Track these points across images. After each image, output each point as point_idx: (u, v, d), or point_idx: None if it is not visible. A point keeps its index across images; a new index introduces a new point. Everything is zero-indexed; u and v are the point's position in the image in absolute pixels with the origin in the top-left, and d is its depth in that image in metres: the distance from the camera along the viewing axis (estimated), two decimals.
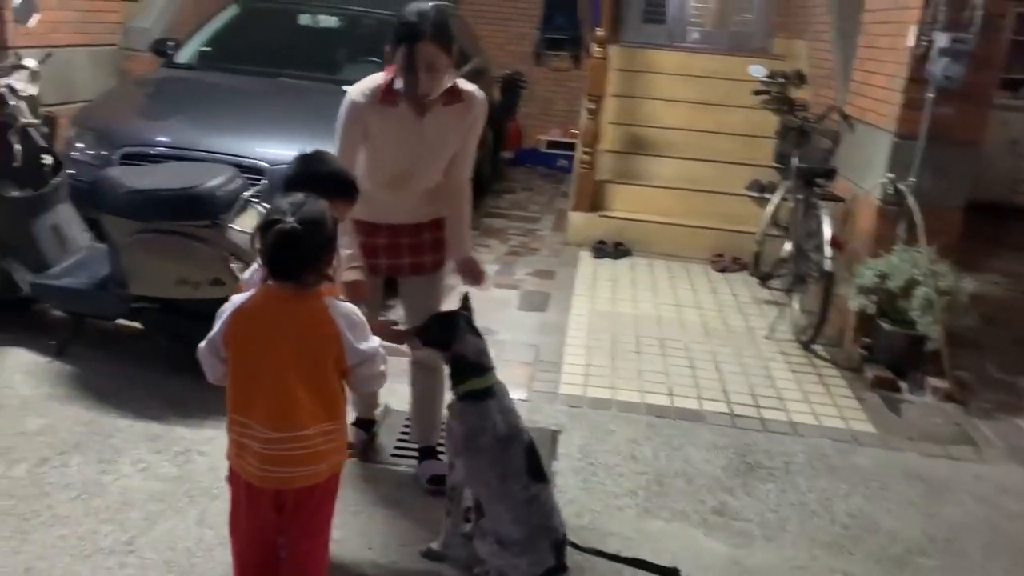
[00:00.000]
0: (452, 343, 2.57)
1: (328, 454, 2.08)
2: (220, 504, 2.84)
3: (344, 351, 2.02)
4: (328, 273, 2.05)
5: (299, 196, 2.00)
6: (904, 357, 4.31)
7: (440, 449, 3.10)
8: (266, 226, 1.95)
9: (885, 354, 4.39)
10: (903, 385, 4.28)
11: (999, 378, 4.53)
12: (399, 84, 2.69)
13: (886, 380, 4.27)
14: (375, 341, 2.10)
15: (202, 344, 2.06)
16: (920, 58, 4.23)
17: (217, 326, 2.03)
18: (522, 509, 2.50)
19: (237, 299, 2.04)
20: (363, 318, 2.10)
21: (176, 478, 2.99)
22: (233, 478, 2.14)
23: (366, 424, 3.36)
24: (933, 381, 4.23)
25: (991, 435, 3.87)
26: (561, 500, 2.94)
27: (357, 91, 2.76)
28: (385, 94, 2.73)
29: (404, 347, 2.72)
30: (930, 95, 4.24)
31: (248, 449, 2.04)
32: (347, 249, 2.65)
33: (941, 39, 4.07)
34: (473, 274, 2.96)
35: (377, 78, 2.76)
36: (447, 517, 2.68)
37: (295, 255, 1.94)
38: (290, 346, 1.99)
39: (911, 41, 4.28)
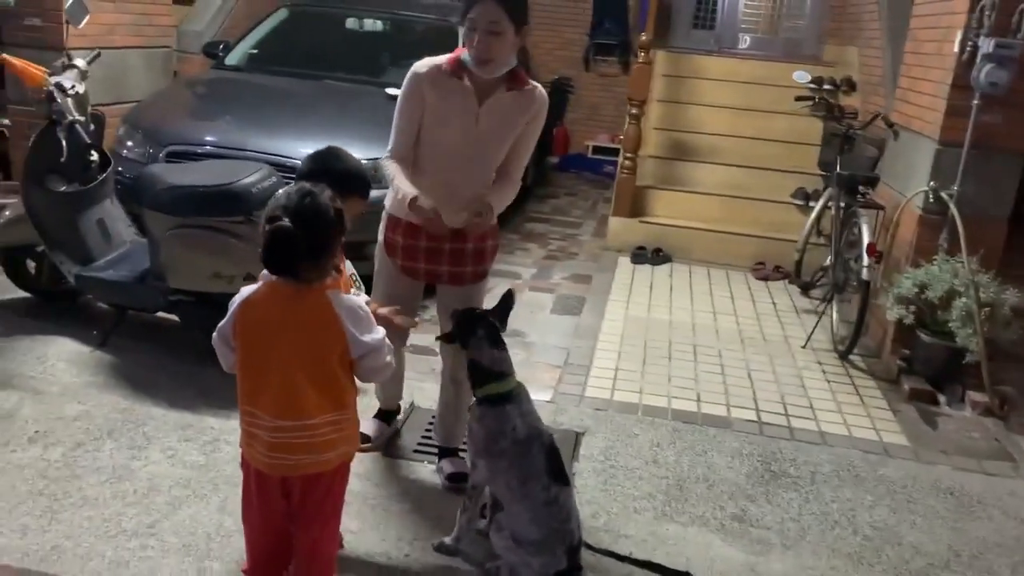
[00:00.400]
0: (467, 346, 2.60)
1: (336, 443, 2.11)
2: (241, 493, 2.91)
3: (348, 345, 2.04)
4: (333, 266, 2.07)
5: (301, 189, 2.01)
6: (943, 369, 4.22)
7: (462, 450, 3.12)
8: (265, 221, 1.97)
9: (924, 366, 4.29)
10: (941, 398, 4.18)
11: None
12: (466, 56, 2.68)
13: (924, 392, 4.18)
14: (380, 332, 2.12)
15: (215, 333, 2.11)
16: (965, 64, 4.14)
17: (227, 316, 2.08)
18: (541, 510, 2.51)
19: (246, 290, 2.07)
20: (368, 311, 2.12)
21: (202, 466, 3.07)
22: (244, 465, 2.19)
23: (387, 415, 3.39)
24: (973, 395, 4.12)
25: None
26: (579, 500, 2.94)
27: (421, 63, 2.76)
28: (450, 64, 2.72)
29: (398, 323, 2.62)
30: (975, 102, 4.14)
31: (256, 438, 2.08)
32: (410, 191, 2.68)
33: (986, 44, 3.98)
34: (483, 217, 2.76)
35: (445, 56, 2.77)
36: (462, 513, 2.70)
37: (289, 252, 1.95)
38: (293, 339, 2.02)
39: (956, 46, 4.19)
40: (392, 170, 2.82)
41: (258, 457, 2.10)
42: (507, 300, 2.69)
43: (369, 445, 3.19)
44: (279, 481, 2.11)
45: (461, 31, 2.71)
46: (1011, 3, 4.01)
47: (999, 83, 3.99)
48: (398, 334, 3.02)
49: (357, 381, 2.17)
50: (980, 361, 4.00)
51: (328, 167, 2.42)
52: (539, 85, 2.86)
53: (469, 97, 2.73)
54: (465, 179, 2.82)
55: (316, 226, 1.96)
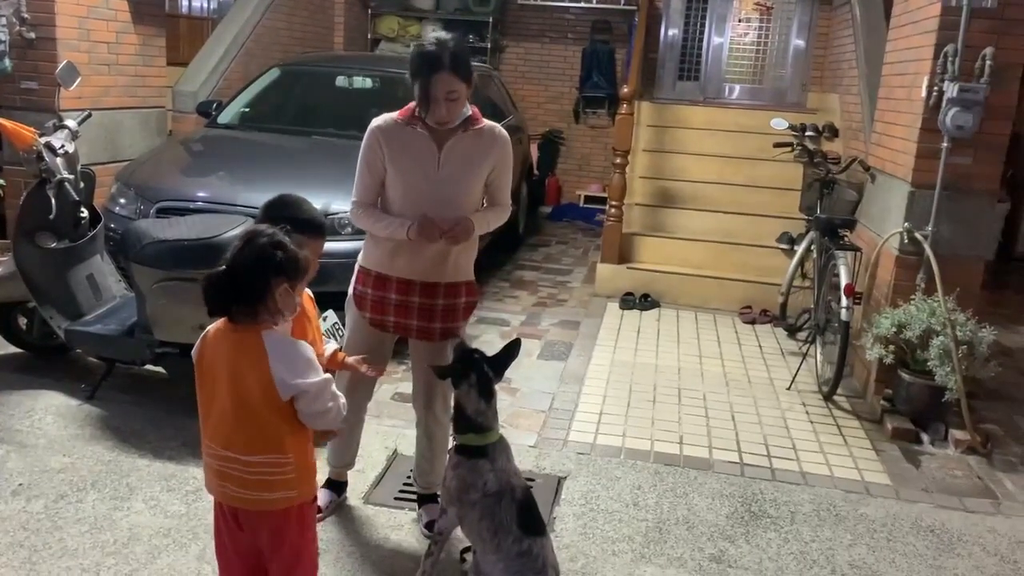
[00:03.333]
0: (457, 387, 2.63)
1: (275, 485, 2.11)
2: None
3: (274, 385, 2.04)
4: (273, 308, 2.06)
5: (244, 233, 2.11)
6: (925, 408, 4.24)
7: (439, 495, 3.14)
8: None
9: (906, 405, 4.32)
10: (925, 437, 4.20)
11: None
12: (418, 112, 2.75)
13: (907, 431, 4.20)
14: (319, 376, 2.10)
15: None
16: (932, 108, 4.24)
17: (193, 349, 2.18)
18: (514, 562, 2.51)
19: (208, 327, 2.16)
20: (310, 354, 2.12)
21: (183, 515, 3.09)
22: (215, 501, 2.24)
23: (336, 486, 3.26)
24: (956, 433, 4.14)
25: (1013, 488, 3.77)
26: (558, 544, 2.96)
27: (378, 118, 2.85)
28: (405, 115, 2.80)
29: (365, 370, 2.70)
30: (945, 145, 4.24)
31: (209, 465, 2.17)
32: (401, 223, 2.76)
33: (950, 89, 4.09)
34: (458, 227, 2.77)
35: (400, 110, 2.85)
36: (427, 558, 2.71)
37: (217, 296, 2.06)
38: (226, 375, 2.07)
39: (923, 91, 4.30)
40: (366, 219, 2.87)
41: (211, 484, 2.18)
42: (510, 349, 2.69)
43: (320, 515, 3.05)
44: (231, 511, 2.17)
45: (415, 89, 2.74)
46: (974, 50, 4.13)
47: (965, 126, 4.09)
48: (361, 389, 3.08)
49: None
50: (960, 399, 4.03)
51: (279, 215, 2.46)
52: (497, 125, 2.93)
53: (428, 144, 2.79)
54: (443, 247, 2.84)
55: (246, 271, 2.03)
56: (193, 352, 2.16)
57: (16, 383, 4.08)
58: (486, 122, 2.89)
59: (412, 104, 2.80)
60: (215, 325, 2.14)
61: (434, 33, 2.79)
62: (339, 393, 2.18)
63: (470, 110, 2.83)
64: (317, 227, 2.62)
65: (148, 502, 3.17)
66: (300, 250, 2.14)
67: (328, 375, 2.16)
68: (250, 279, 2.04)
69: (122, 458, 3.48)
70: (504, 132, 2.92)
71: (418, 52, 2.71)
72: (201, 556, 2.85)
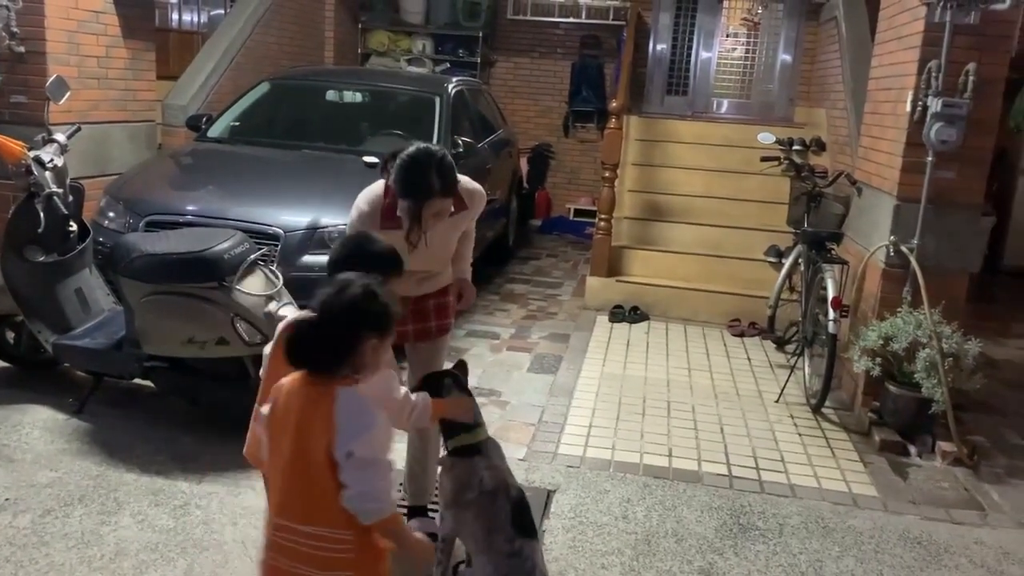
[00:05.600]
0: (440, 396, 2.66)
1: (332, 564, 1.92)
2: (208, 556, 2.94)
3: (335, 441, 1.87)
4: (359, 364, 1.94)
5: (337, 282, 1.97)
6: (912, 420, 4.26)
7: (432, 508, 3.15)
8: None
9: (893, 417, 4.34)
10: (912, 448, 4.22)
11: (1016, 444, 4.43)
12: (406, 228, 2.67)
13: (894, 443, 4.22)
14: (380, 454, 1.93)
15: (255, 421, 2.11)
16: (917, 123, 4.29)
17: (266, 405, 2.04)
18: (503, 562, 2.53)
19: (284, 380, 2.01)
20: (379, 420, 1.94)
21: (171, 530, 3.08)
22: None
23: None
24: (943, 445, 4.16)
25: (1000, 500, 3.79)
26: (547, 558, 2.97)
27: (364, 201, 2.78)
28: (386, 216, 2.74)
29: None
30: (929, 159, 4.28)
31: (263, 533, 2.03)
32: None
33: (934, 104, 4.14)
34: (464, 299, 3.11)
35: (379, 193, 2.77)
36: (437, 566, 2.73)
37: (303, 346, 1.92)
38: (292, 430, 1.93)
39: (908, 106, 4.35)
40: None
41: (260, 555, 2.03)
42: (461, 367, 2.84)
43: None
44: None
45: (386, 166, 2.72)
46: (957, 65, 4.18)
47: (949, 140, 4.13)
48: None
49: None
50: (947, 411, 4.05)
51: (361, 251, 2.40)
52: (473, 185, 2.91)
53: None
54: (428, 273, 2.95)
55: (335, 323, 1.90)
56: (267, 406, 2.02)
57: (3, 397, 4.05)
58: (465, 190, 2.85)
59: (391, 195, 2.74)
60: (292, 376, 1.98)
61: (418, 145, 2.68)
62: (392, 491, 1.99)
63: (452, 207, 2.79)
64: (397, 263, 2.44)
65: (135, 517, 3.16)
66: (391, 303, 2.00)
67: (391, 460, 1.96)
68: (339, 331, 1.90)
69: (110, 472, 3.47)
70: (481, 190, 2.96)
71: (408, 175, 2.63)
72: (188, 571, 2.84)
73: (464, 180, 2.88)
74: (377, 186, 2.81)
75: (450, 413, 2.64)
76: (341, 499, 1.89)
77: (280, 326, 2.37)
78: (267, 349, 2.46)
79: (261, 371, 2.48)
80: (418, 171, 2.61)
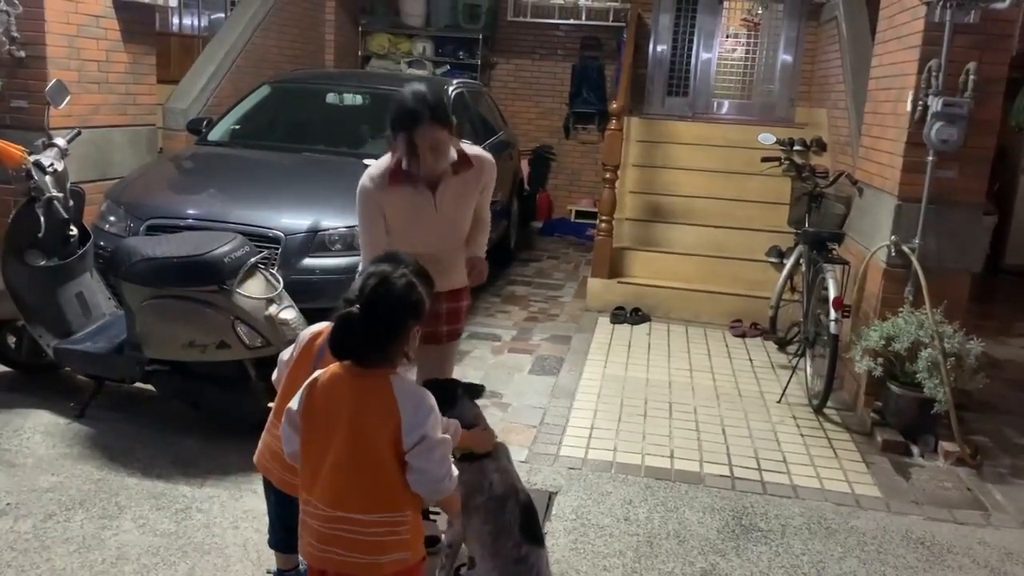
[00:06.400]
0: (450, 410, 2.64)
1: (390, 547, 1.98)
2: (210, 559, 2.94)
3: (401, 431, 1.93)
4: (404, 353, 2.01)
5: (379, 273, 2.00)
6: (915, 420, 4.25)
7: (435, 512, 3.14)
8: (341, 303, 1.96)
9: (896, 417, 4.33)
10: (914, 449, 4.21)
11: (1019, 443, 4.42)
12: (406, 165, 2.76)
13: (896, 444, 4.21)
14: (441, 433, 2.02)
15: (284, 417, 2.07)
16: (917, 122, 4.28)
17: (295, 400, 2.04)
18: (509, 567, 2.53)
19: (317, 373, 2.04)
20: (433, 403, 2.02)
21: (172, 534, 3.08)
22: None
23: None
24: (946, 445, 4.15)
25: (1003, 500, 3.78)
26: (549, 560, 2.96)
27: (367, 177, 2.84)
28: (394, 176, 2.80)
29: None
30: (930, 158, 4.27)
31: (307, 526, 2.03)
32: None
33: (935, 103, 4.13)
34: (475, 271, 3.07)
35: (385, 161, 2.84)
36: (440, 570, 2.73)
37: (351, 339, 1.94)
38: (350, 424, 1.95)
39: (908, 106, 4.34)
40: None
41: (308, 549, 2.03)
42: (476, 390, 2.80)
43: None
44: None
45: (387, 134, 2.78)
46: (958, 64, 4.18)
47: (950, 140, 4.13)
48: None
49: None
50: (949, 411, 4.04)
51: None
52: (482, 151, 2.99)
53: (421, 192, 2.83)
54: (441, 251, 2.90)
55: (386, 313, 1.94)
56: (298, 404, 2.03)
57: (4, 402, 4.06)
58: (472, 153, 2.92)
59: (395, 159, 2.80)
60: (328, 371, 2.01)
61: (408, 87, 2.75)
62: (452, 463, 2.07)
63: (456, 154, 2.84)
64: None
65: (137, 521, 3.16)
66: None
67: (448, 436, 2.05)
68: (387, 323, 1.95)
69: (111, 477, 3.47)
70: (490, 157, 3.00)
71: (398, 107, 2.72)
72: (190, 575, 2.84)
73: (471, 146, 2.95)
74: (381, 160, 2.86)
75: (474, 445, 2.59)
76: (410, 482, 1.97)
77: (313, 329, 2.38)
78: (284, 355, 2.46)
79: (274, 375, 2.49)
80: (406, 102, 2.70)
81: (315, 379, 2.01)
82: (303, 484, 2.04)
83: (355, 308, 1.93)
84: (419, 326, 2.03)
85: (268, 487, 2.59)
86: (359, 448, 1.95)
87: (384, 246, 2.84)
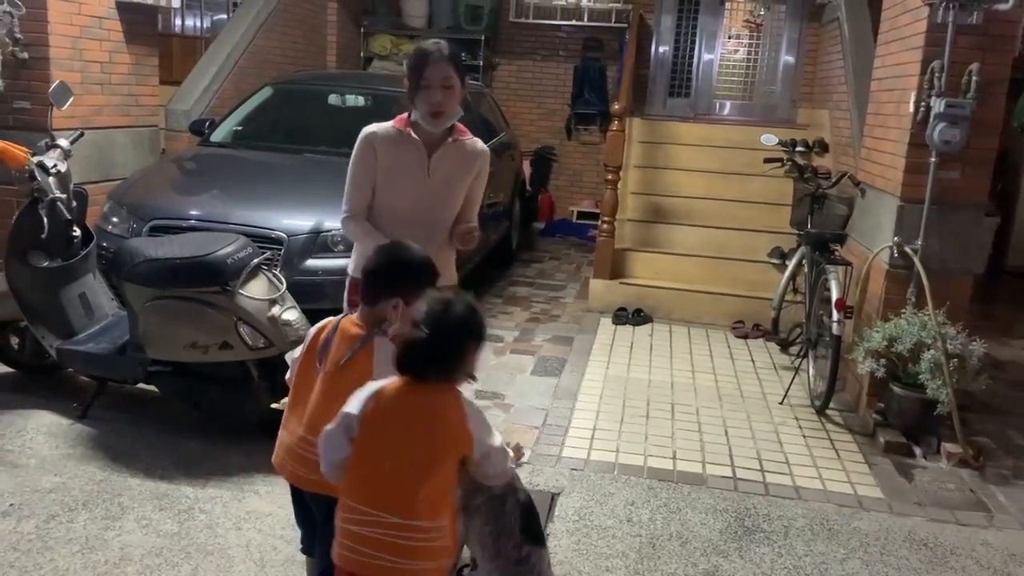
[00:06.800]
0: None
1: (436, 552, 2.08)
2: (213, 560, 2.94)
3: (471, 443, 2.08)
4: (467, 372, 2.12)
5: (442, 299, 2.10)
6: (918, 421, 4.25)
7: None
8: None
9: (898, 419, 4.33)
10: (917, 450, 4.21)
11: (1021, 445, 4.42)
12: (416, 115, 2.87)
13: (899, 445, 4.21)
14: (499, 437, 2.18)
15: (330, 426, 2.09)
16: (920, 124, 4.28)
17: (354, 405, 2.08)
18: (511, 569, 2.52)
19: (382, 383, 2.10)
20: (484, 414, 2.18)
21: (175, 534, 3.08)
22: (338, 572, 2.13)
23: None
24: (948, 446, 4.15)
25: (1006, 501, 3.78)
26: (552, 561, 2.96)
27: (371, 126, 2.95)
28: (399, 122, 2.92)
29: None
30: (933, 160, 4.27)
31: (349, 532, 2.06)
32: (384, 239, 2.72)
33: (937, 104, 4.13)
34: (468, 233, 2.98)
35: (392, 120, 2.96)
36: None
37: (420, 360, 2.05)
38: (408, 434, 2.04)
39: (911, 107, 4.34)
40: (357, 231, 2.94)
41: (347, 552, 2.06)
42: None
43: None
44: None
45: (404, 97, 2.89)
46: (960, 65, 4.18)
47: (952, 141, 4.13)
48: None
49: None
50: (952, 412, 4.04)
51: (399, 259, 2.40)
52: (479, 140, 3.08)
53: (419, 150, 2.90)
54: (424, 232, 2.86)
55: (449, 337, 2.06)
56: (358, 411, 2.07)
57: (7, 402, 4.06)
58: (470, 135, 3.04)
59: (404, 115, 2.92)
60: (393, 383, 2.09)
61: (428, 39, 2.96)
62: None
63: (461, 112, 2.93)
64: (433, 272, 2.46)
65: (140, 522, 3.16)
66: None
67: (501, 438, 2.20)
68: (452, 344, 2.08)
69: (114, 477, 3.47)
70: (486, 148, 3.08)
71: (416, 48, 2.89)
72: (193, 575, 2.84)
73: (474, 137, 3.06)
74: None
75: None
76: (479, 477, 2.18)
77: (319, 324, 2.43)
78: (295, 353, 2.49)
79: (288, 376, 2.50)
80: (425, 44, 2.87)
81: (381, 388, 2.09)
82: (352, 487, 2.08)
83: (422, 331, 2.04)
84: (479, 345, 2.15)
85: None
86: (427, 459, 2.05)
87: (364, 202, 2.93)
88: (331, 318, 2.43)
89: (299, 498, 2.51)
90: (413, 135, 2.89)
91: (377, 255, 2.45)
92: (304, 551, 2.65)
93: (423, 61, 2.81)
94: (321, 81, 7.07)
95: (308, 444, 2.28)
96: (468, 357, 2.12)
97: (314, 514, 2.44)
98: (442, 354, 2.07)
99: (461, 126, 3.00)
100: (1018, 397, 5.07)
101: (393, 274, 2.35)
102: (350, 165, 2.94)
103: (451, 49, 2.85)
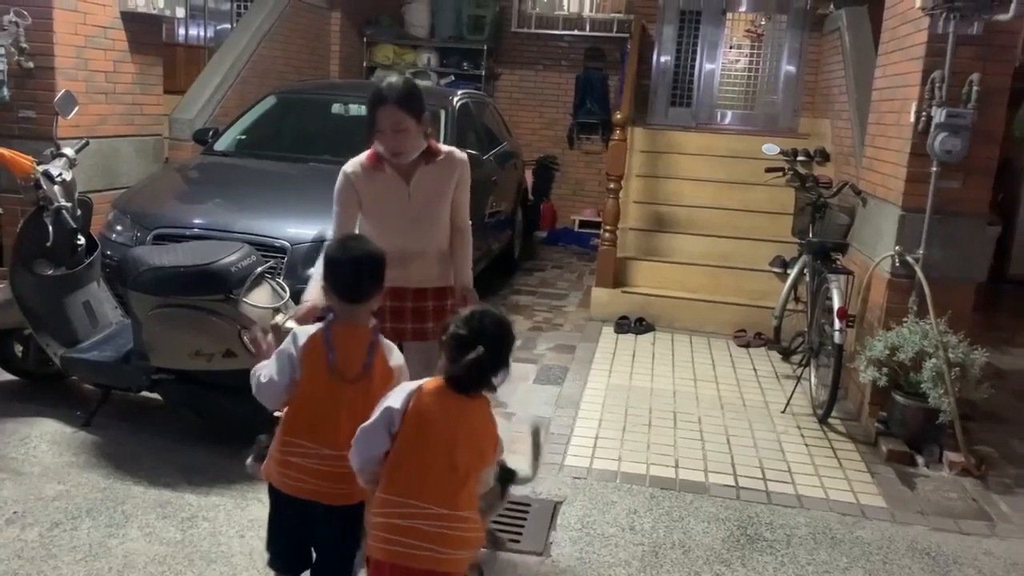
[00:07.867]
0: None
1: (470, 543, 2.19)
2: (216, 568, 2.94)
3: (500, 448, 2.25)
4: (492, 384, 2.20)
5: (488, 313, 2.19)
6: (920, 430, 4.25)
7: None
8: (453, 340, 2.14)
9: (901, 427, 4.33)
10: (919, 459, 4.21)
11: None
12: (375, 146, 2.98)
13: (901, 454, 4.21)
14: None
15: (369, 421, 2.14)
16: (921, 133, 4.30)
17: (395, 400, 2.14)
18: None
19: (421, 382, 2.19)
20: None
21: (179, 542, 3.09)
22: (377, 569, 2.16)
23: None
24: (950, 455, 4.15)
25: (1008, 510, 3.78)
26: (554, 571, 2.97)
27: (348, 164, 3.05)
28: (371, 159, 3.02)
29: None
30: (934, 169, 4.29)
31: (391, 526, 2.11)
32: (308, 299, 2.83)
33: (938, 114, 4.15)
34: (467, 302, 3.12)
35: (366, 152, 3.05)
36: None
37: (484, 377, 2.14)
38: (450, 435, 2.12)
39: (912, 117, 4.36)
40: None
41: (388, 544, 2.10)
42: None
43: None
44: (407, 572, 2.11)
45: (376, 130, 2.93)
46: (961, 75, 4.20)
47: (953, 150, 4.14)
48: None
49: None
50: (954, 421, 4.04)
51: (364, 252, 2.46)
52: (455, 149, 3.15)
53: (396, 180, 3.02)
54: (415, 241, 3.07)
55: (503, 348, 2.17)
56: (401, 405, 2.13)
57: (11, 410, 4.07)
58: (444, 149, 3.11)
59: (374, 149, 3.02)
60: (429, 384, 2.17)
61: (389, 77, 3.05)
62: None
63: (426, 143, 3.01)
64: (382, 260, 2.52)
65: (143, 529, 3.16)
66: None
67: None
68: (504, 354, 2.18)
69: (117, 485, 3.48)
70: (463, 155, 3.17)
71: (373, 89, 2.94)
72: None
73: (446, 146, 3.14)
74: (364, 153, 3.06)
75: None
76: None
77: (305, 331, 2.44)
78: (272, 372, 2.48)
79: (273, 400, 2.51)
80: (377, 87, 2.93)
81: (420, 387, 2.16)
82: (396, 484, 2.12)
83: (481, 349, 2.09)
84: None
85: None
86: (471, 462, 2.15)
87: (350, 230, 3.04)
88: (312, 330, 2.41)
89: (294, 521, 2.43)
90: (386, 169, 3.00)
91: (342, 250, 2.46)
92: (281, 570, 2.54)
93: (375, 105, 2.88)
94: (324, 90, 7.11)
95: (337, 460, 2.28)
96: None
97: (313, 533, 2.42)
98: (497, 369, 2.16)
99: (433, 144, 3.07)
100: (1020, 406, 5.07)
101: (375, 264, 2.42)
102: (334, 200, 3.06)
103: (404, 90, 2.88)
